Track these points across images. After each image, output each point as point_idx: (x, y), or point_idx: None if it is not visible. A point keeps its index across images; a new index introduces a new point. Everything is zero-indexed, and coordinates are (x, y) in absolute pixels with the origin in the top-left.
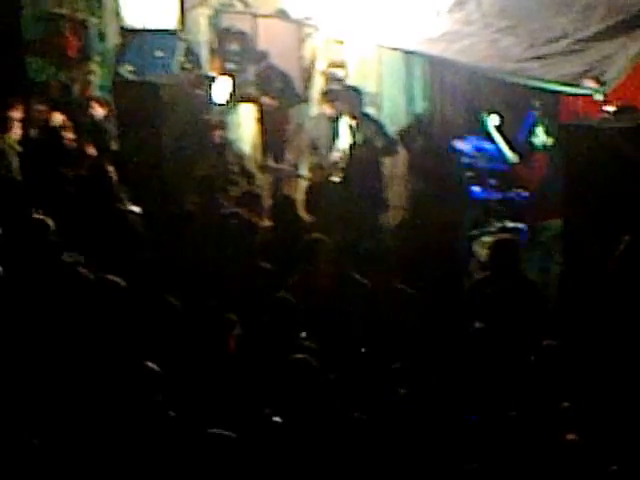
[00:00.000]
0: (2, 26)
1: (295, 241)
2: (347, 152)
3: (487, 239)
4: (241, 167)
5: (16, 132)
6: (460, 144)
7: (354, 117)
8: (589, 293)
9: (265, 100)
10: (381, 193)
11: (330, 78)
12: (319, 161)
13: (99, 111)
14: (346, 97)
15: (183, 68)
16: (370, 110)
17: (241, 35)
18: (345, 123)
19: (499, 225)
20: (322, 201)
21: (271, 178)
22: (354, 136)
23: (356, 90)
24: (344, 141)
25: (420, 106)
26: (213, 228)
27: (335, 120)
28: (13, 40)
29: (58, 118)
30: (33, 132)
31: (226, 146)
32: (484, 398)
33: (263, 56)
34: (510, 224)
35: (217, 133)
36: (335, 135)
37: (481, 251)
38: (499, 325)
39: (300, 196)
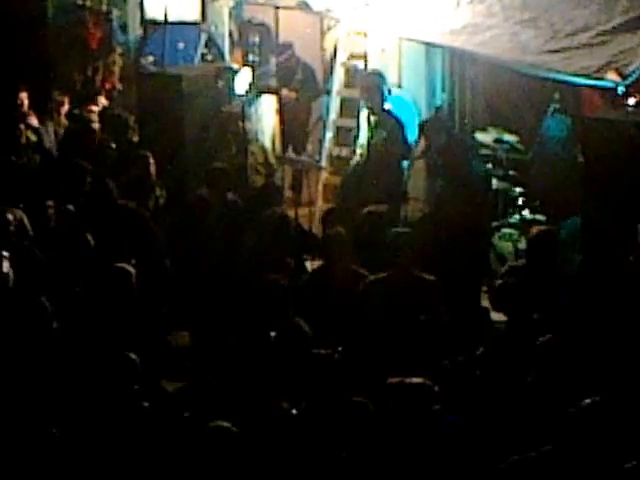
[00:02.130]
0: (27, 17)
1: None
2: (366, 146)
3: (507, 231)
4: (265, 158)
5: (33, 121)
6: (480, 136)
7: (374, 112)
8: (607, 286)
9: (286, 92)
10: (400, 185)
11: (351, 70)
12: (339, 153)
13: (103, 103)
14: (369, 92)
15: (205, 60)
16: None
17: (262, 27)
18: (365, 117)
19: (518, 217)
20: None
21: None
22: (373, 132)
23: (381, 76)
24: (364, 135)
25: (440, 98)
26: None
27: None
28: (38, 31)
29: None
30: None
31: (249, 137)
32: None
33: (286, 48)
34: (529, 216)
35: (241, 124)
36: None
37: (501, 243)
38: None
39: (320, 188)
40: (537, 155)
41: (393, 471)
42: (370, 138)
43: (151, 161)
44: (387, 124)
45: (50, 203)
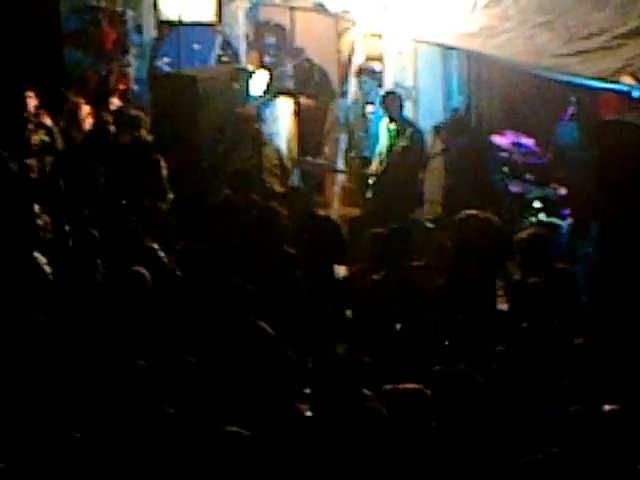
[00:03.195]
0: (41, 18)
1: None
2: (385, 152)
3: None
4: (279, 161)
5: (46, 122)
6: (497, 139)
7: (393, 120)
8: (624, 288)
9: (303, 99)
10: (416, 188)
11: (367, 72)
12: (356, 156)
13: (116, 103)
14: (385, 100)
15: (220, 61)
16: (407, 105)
17: (278, 28)
18: (384, 125)
19: (535, 220)
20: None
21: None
22: (392, 139)
23: (394, 94)
24: (384, 142)
25: (457, 100)
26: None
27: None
28: (51, 32)
29: (86, 109)
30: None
31: (264, 139)
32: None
33: (299, 52)
34: (546, 219)
35: (256, 126)
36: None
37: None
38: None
39: (336, 190)
40: (555, 159)
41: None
42: (390, 146)
43: (162, 164)
44: (407, 131)
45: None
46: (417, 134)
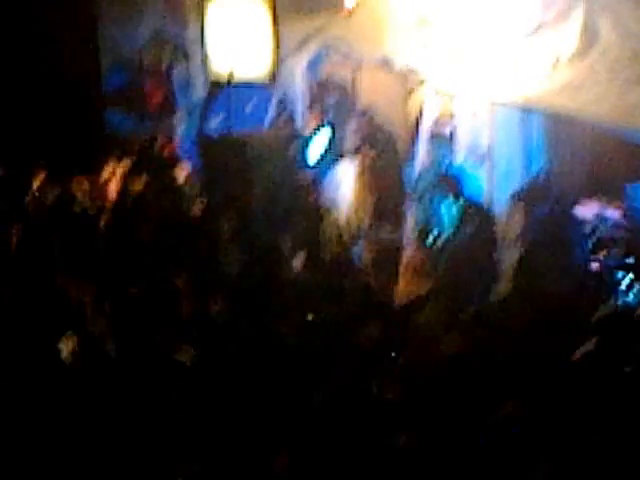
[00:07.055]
0: (80, 76)
1: None
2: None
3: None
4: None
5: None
6: (580, 210)
7: (457, 198)
8: None
9: (366, 157)
10: (489, 265)
11: (439, 137)
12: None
13: (182, 174)
14: (445, 183)
15: (276, 122)
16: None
17: (340, 87)
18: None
19: (621, 303)
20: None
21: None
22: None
23: (449, 177)
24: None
25: (537, 165)
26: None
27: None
28: (91, 91)
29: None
30: None
31: (323, 210)
32: None
33: (362, 114)
34: (634, 300)
35: (313, 195)
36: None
37: None
38: None
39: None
40: None
41: None
42: (455, 232)
43: None
44: (473, 218)
45: None
46: (485, 217)
